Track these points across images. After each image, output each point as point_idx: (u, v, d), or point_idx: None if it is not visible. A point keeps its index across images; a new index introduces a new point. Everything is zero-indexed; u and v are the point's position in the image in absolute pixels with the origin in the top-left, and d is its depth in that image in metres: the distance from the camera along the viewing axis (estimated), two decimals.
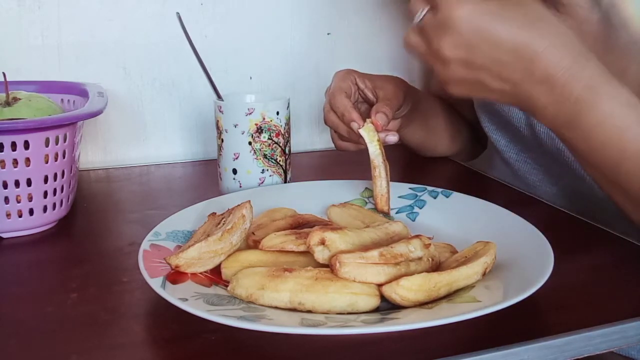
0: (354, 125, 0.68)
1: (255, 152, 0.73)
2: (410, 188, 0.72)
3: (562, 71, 0.51)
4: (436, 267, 0.53)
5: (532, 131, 0.73)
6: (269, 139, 0.73)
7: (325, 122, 0.74)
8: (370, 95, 0.75)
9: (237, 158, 0.73)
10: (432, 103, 0.90)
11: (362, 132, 0.68)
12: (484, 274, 0.51)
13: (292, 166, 0.78)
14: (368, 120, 0.68)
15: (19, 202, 0.65)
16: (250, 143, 0.72)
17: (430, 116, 0.89)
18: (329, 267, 0.49)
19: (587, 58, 0.52)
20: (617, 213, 0.60)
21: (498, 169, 0.86)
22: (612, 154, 0.52)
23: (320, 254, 0.50)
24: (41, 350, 0.46)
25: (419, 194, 0.71)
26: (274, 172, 0.74)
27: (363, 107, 0.77)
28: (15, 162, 0.63)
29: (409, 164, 0.95)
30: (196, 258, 0.51)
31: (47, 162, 0.66)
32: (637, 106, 0.52)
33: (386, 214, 0.68)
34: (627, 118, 0.51)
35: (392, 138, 0.69)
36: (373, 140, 0.67)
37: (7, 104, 0.69)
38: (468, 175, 0.91)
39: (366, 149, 0.68)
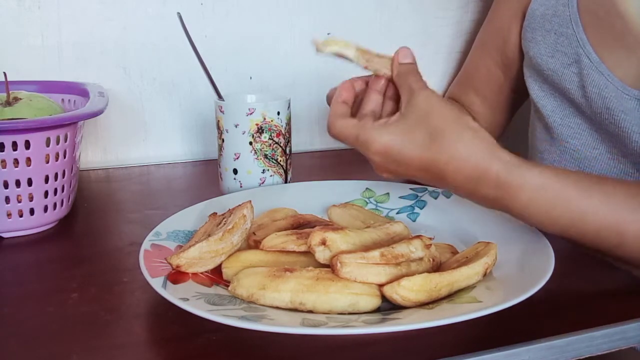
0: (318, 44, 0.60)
1: (256, 152, 0.73)
2: (410, 189, 0.72)
3: (467, 180, 0.53)
4: (437, 267, 0.53)
5: (583, 92, 0.73)
6: (269, 139, 0.73)
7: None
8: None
9: (237, 158, 0.73)
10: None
11: (327, 49, 0.58)
12: (484, 275, 0.51)
13: (293, 166, 0.78)
14: (316, 41, 0.59)
15: (19, 201, 0.65)
16: (251, 143, 0.72)
17: None
18: (330, 267, 0.49)
19: (492, 155, 0.53)
20: None
21: (538, 137, 0.87)
22: (556, 229, 0.55)
23: (321, 254, 0.50)
24: (41, 350, 0.46)
25: (419, 194, 0.71)
26: (274, 172, 0.74)
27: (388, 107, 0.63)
28: (16, 162, 0.63)
29: None
30: (197, 258, 0.51)
31: (47, 162, 0.66)
32: (548, 184, 0.53)
33: None
34: (545, 202, 0.53)
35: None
36: (344, 47, 0.58)
37: (8, 103, 0.69)
38: None
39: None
